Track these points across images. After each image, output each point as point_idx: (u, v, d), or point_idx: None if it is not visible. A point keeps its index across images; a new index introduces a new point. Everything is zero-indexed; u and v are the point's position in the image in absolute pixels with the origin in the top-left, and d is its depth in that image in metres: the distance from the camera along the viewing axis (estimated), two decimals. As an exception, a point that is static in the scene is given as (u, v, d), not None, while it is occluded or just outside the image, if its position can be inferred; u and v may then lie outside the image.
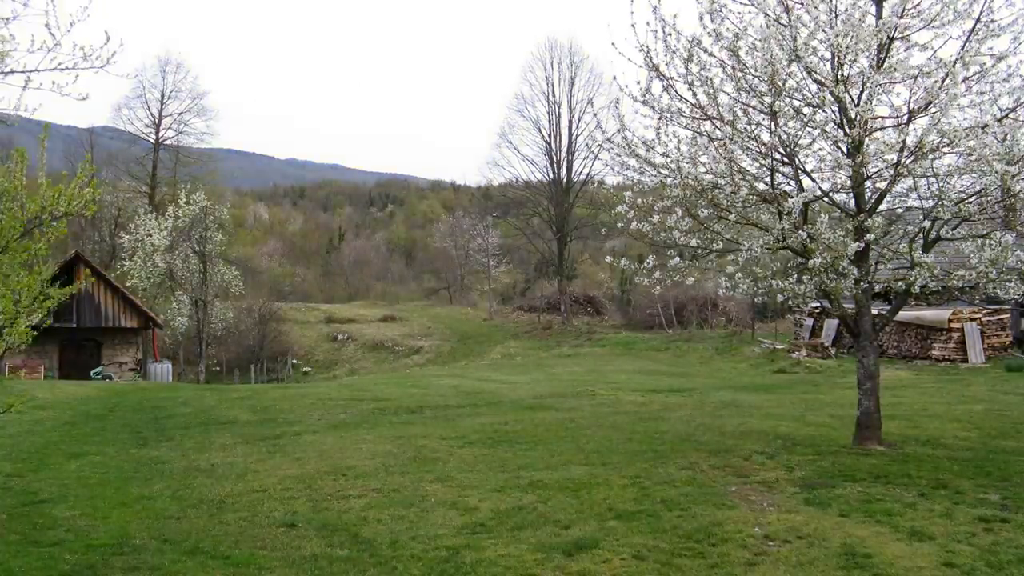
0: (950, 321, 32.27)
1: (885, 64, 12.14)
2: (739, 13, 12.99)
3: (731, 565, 8.49)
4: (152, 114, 68.81)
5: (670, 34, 12.84)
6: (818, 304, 22.23)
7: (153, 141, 68.66)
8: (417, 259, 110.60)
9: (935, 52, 12.29)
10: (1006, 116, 12.01)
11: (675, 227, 13.42)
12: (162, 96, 68.87)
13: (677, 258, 13.59)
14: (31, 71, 8.00)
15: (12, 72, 8.11)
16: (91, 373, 39.21)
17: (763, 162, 12.73)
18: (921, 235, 13.38)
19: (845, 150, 12.66)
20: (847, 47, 11.93)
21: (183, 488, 12.42)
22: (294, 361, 55.04)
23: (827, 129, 12.44)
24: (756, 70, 12.52)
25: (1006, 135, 11.82)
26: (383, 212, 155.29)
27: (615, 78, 13.25)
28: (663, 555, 8.80)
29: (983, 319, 32.71)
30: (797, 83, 12.84)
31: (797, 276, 13.37)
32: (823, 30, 12.30)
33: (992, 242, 12.07)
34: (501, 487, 11.89)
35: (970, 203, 12.70)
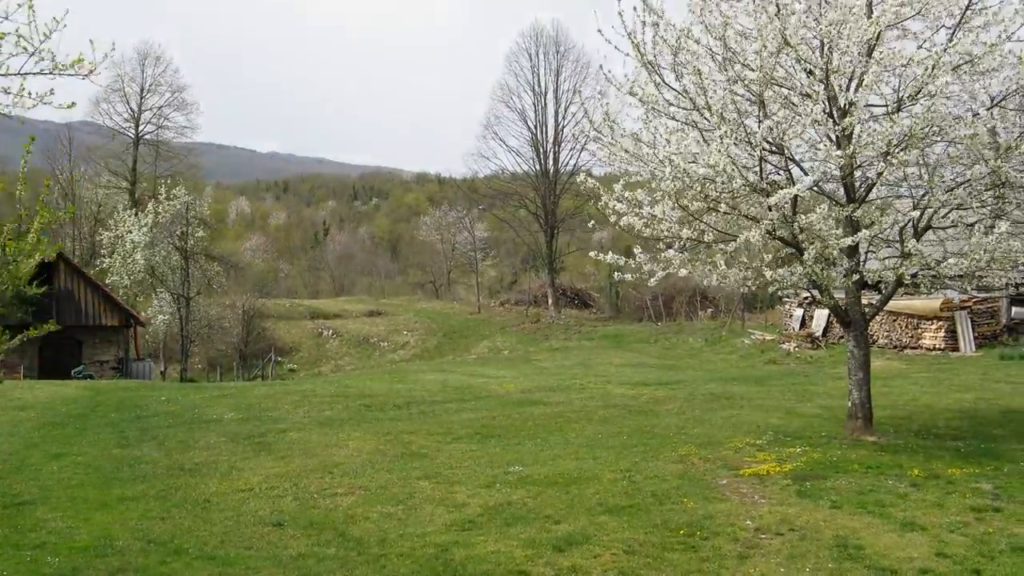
0: (941, 310, 32.35)
1: (875, 53, 12.04)
2: (728, 1, 12.88)
3: (723, 558, 8.44)
4: (131, 108, 67.97)
5: (657, 23, 12.72)
6: (808, 294, 22.20)
7: (133, 136, 67.86)
8: (403, 253, 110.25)
9: (925, 41, 12.22)
10: (995, 105, 11.95)
11: (665, 219, 13.33)
12: (141, 90, 68.03)
13: (670, 251, 13.48)
14: (14, 74, 7.81)
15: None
16: (72, 372, 38.76)
17: (752, 152, 12.63)
18: (912, 224, 13.32)
19: (834, 140, 12.57)
20: (837, 37, 11.83)
21: (167, 488, 12.26)
22: (279, 358, 54.65)
23: (817, 119, 12.34)
24: (745, 58, 12.40)
25: (995, 124, 11.77)
26: (368, 205, 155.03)
27: (601, 66, 13.14)
28: (654, 549, 8.74)
29: (974, 307, 32.80)
30: (787, 72, 12.74)
31: (788, 266, 13.30)
32: (813, 18, 12.18)
33: (982, 227, 12.03)
34: (490, 483, 11.81)
35: (960, 191, 12.64)
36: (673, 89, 12.99)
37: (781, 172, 13.38)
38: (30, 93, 7.68)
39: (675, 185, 12.88)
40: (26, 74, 7.71)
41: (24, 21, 7.41)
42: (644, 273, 13.79)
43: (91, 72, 7.84)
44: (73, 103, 8.18)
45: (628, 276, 14.04)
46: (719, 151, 12.08)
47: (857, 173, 13.10)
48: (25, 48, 7.54)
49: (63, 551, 9.25)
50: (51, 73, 7.79)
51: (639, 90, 13.03)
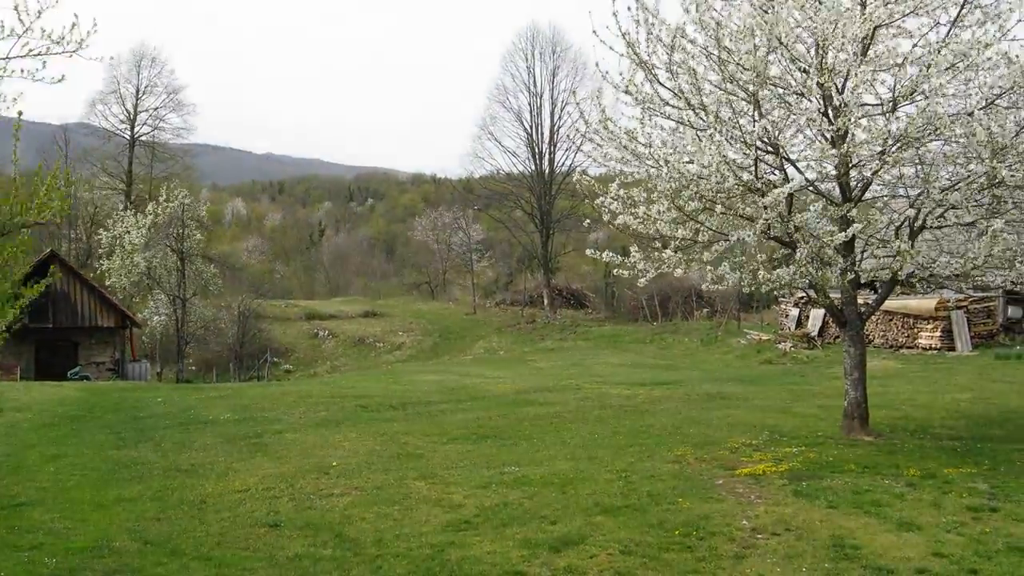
0: (937, 309, 32.37)
1: (870, 53, 12.05)
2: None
3: (719, 559, 8.42)
4: (127, 109, 67.71)
5: (653, 23, 12.71)
6: (804, 294, 22.25)
7: (128, 137, 67.62)
8: (398, 254, 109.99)
9: (921, 38, 12.22)
10: (991, 104, 11.95)
11: (659, 218, 13.32)
12: (137, 91, 67.74)
13: (667, 251, 13.49)
14: (1, 58, 7.79)
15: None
16: (68, 374, 38.66)
17: (747, 152, 12.63)
18: (907, 224, 13.33)
19: (830, 139, 12.58)
20: (831, 35, 11.84)
21: (163, 489, 12.23)
22: (274, 359, 54.58)
23: (812, 118, 12.35)
24: (739, 58, 12.40)
25: (990, 123, 11.76)
26: (363, 206, 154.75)
27: (597, 64, 13.12)
28: (650, 549, 8.71)
29: (970, 307, 32.83)
30: (781, 71, 12.75)
31: (784, 265, 13.29)
32: (809, 17, 12.19)
33: (981, 229, 12.03)
34: (486, 483, 11.79)
35: (956, 190, 12.64)
36: (668, 88, 12.98)
37: (776, 172, 13.38)
38: (23, 71, 7.64)
39: (671, 185, 12.88)
40: (13, 57, 7.68)
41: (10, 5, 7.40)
42: (640, 272, 13.80)
43: (78, 48, 7.82)
44: (61, 77, 8.14)
45: (626, 273, 14.05)
46: (711, 150, 12.08)
47: (853, 172, 13.10)
48: (13, 30, 7.50)
49: (60, 552, 9.22)
50: (40, 54, 7.76)
51: (634, 89, 13.01)
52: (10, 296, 9.77)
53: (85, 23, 7.83)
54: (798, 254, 12.59)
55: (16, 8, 7.35)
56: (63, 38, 7.59)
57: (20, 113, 9.03)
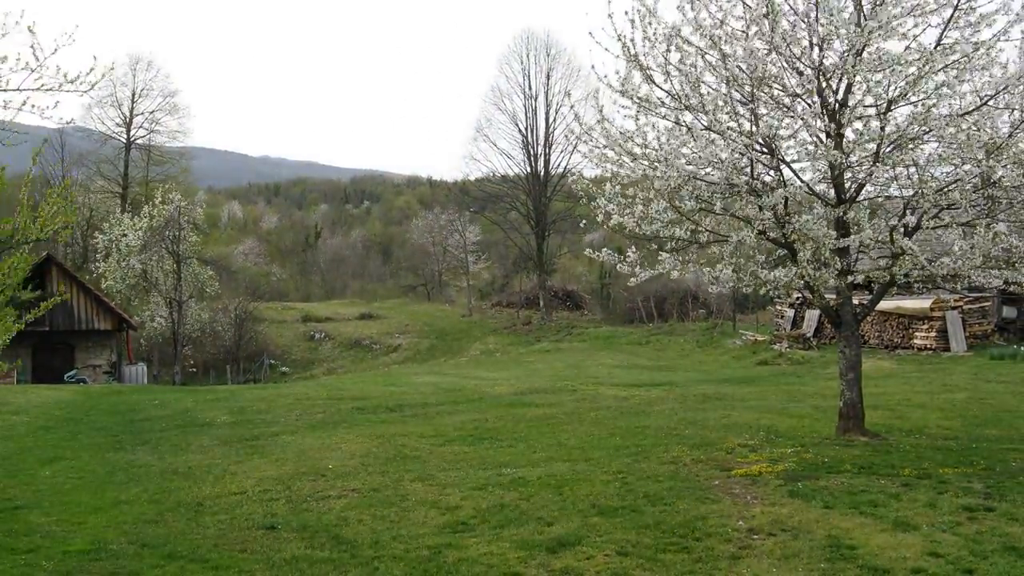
0: (932, 310, 32.44)
1: (864, 54, 12.08)
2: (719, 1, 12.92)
3: (716, 559, 8.42)
4: (123, 113, 67.82)
5: (648, 23, 12.73)
6: (799, 295, 22.30)
7: (124, 140, 67.71)
8: (394, 256, 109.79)
9: (915, 39, 12.26)
10: (985, 103, 11.99)
11: (657, 219, 13.33)
12: (133, 94, 67.85)
13: (664, 254, 13.49)
14: (13, 90, 7.88)
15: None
16: (64, 377, 38.68)
17: (743, 152, 12.64)
18: (902, 224, 13.35)
19: (825, 140, 12.60)
20: (827, 37, 11.87)
21: (160, 491, 12.23)
22: (271, 361, 54.53)
23: (807, 119, 12.37)
24: (736, 59, 12.42)
25: (982, 124, 11.80)
26: (359, 209, 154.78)
27: (593, 66, 13.15)
28: (647, 550, 8.71)
29: (965, 307, 32.91)
30: (777, 72, 12.77)
31: (782, 267, 13.31)
32: (803, 20, 12.21)
33: (980, 231, 12.04)
34: (482, 485, 11.79)
35: (950, 191, 12.66)
36: (663, 89, 13.00)
37: (772, 172, 13.40)
38: (33, 106, 7.73)
39: (667, 185, 12.89)
40: (26, 90, 7.76)
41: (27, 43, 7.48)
42: (637, 273, 13.81)
43: (91, 88, 7.91)
44: (71, 120, 8.28)
45: (626, 269, 14.06)
46: (707, 151, 12.10)
47: (847, 173, 13.13)
48: (27, 64, 7.59)
49: (57, 555, 9.22)
50: (53, 89, 7.84)
51: (631, 90, 13.02)
52: (7, 304, 9.80)
53: (97, 65, 7.91)
54: (798, 256, 12.60)
55: (32, 47, 7.44)
56: (77, 78, 7.68)
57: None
